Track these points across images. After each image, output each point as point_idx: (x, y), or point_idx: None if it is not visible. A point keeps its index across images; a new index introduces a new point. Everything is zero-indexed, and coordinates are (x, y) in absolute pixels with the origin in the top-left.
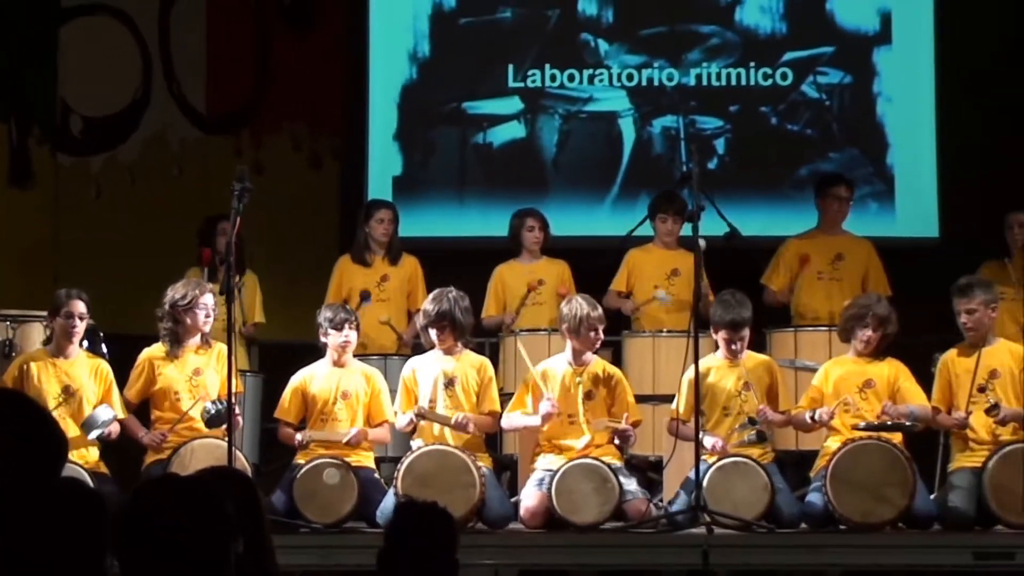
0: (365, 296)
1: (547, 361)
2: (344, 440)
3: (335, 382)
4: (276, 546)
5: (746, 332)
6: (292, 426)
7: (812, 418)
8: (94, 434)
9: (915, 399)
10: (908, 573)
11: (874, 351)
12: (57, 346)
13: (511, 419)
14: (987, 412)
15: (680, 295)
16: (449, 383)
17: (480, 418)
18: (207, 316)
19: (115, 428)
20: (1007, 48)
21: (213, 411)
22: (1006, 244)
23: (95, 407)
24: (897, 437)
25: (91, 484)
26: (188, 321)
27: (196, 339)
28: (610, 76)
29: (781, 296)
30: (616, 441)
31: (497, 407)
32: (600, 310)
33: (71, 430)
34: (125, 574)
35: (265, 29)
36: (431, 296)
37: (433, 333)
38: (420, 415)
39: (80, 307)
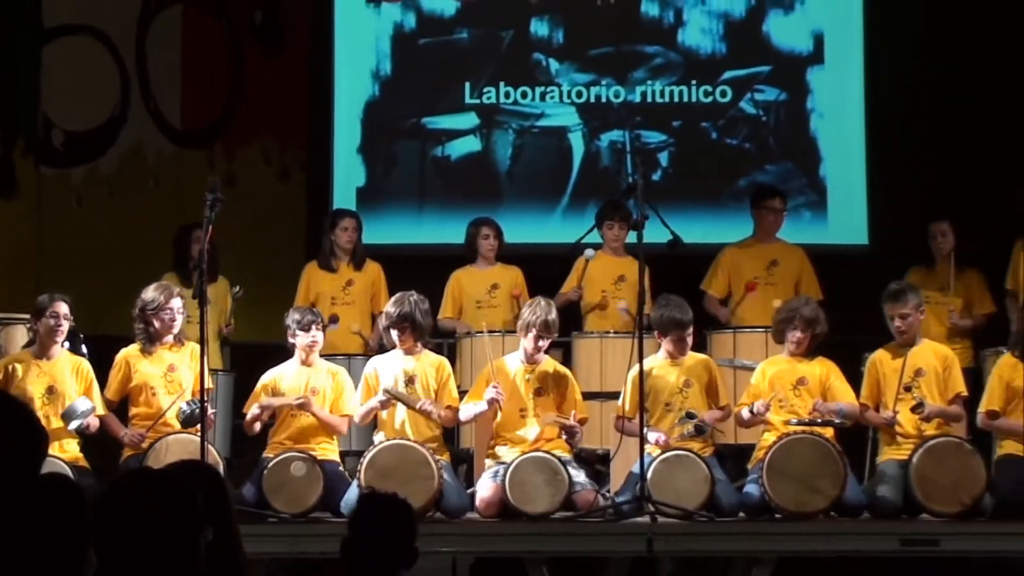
0: (333, 319)
1: (503, 357)
2: (295, 400)
3: (303, 380)
4: (245, 535)
5: (691, 330)
6: (262, 423)
7: (751, 411)
8: (74, 424)
9: (844, 397)
10: (839, 559)
11: (805, 351)
12: (40, 347)
13: (464, 409)
14: (913, 410)
15: (626, 299)
16: (409, 381)
17: (443, 410)
18: (171, 319)
19: (94, 421)
20: (932, 67)
21: (188, 411)
22: (930, 251)
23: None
24: (829, 432)
25: (72, 477)
26: (157, 324)
27: (170, 338)
28: (560, 93)
29: (721, 313)
30: (564, 436)
31: (456, 403)
32: (554, 315)
33: (54, 426)
34: (102, 563)
35: (237, 49)
36: (393, 299)
37: (395, 334)
38: (388, 395)
39: (64, 308)
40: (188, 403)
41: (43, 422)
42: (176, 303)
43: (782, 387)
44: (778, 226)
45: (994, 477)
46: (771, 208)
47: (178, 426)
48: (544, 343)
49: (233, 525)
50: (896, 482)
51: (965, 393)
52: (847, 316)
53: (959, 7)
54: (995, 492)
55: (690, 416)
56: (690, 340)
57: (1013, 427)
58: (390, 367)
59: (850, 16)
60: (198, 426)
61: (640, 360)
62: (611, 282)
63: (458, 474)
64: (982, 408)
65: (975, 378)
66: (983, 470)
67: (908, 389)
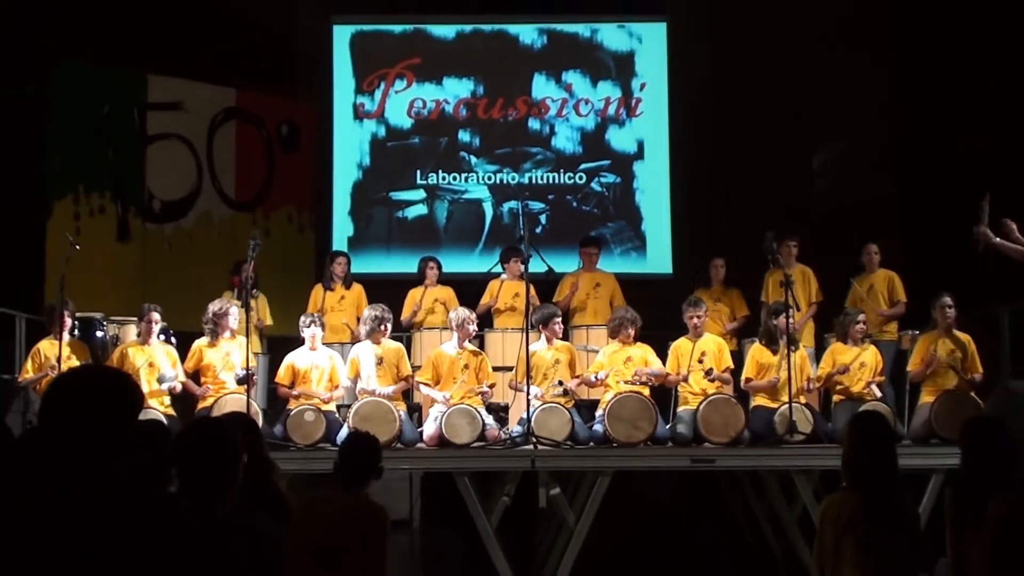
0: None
1: (442, 345)
2: (323, 398)
3: (311, 360)
4: (275, 458)
5: (560, 324)
6: (285, 386)
7: (597, 377)
8: (165, 385)
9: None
10: (651, 472)
11: (631, 339)
12: (143, 338)
13: (427, 390)
14: (705, 373)
15: (519, 308)
16: (379, 361)
17: (400, 385)
18: (226, 320)
19: (177, 385)
20: (713, 163)
21: (242, 375)
22: (710, 278)
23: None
24: (646, 390)
25: (163, 422)
26: (218, 324)
27: (227, 333)
28: (477, 177)
29: (562, 304)
30: (481, 397)
31: (408, 372)
32: (473, 314)
33: (152, 388)
34: (181, 478)
35: (270, 149)
36: (369, 307)
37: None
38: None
39: (155, 316)
40: (242, 369)
41: (144, 386)
42: (233, 310)
43: (617, 362)
44: (594, 262)
45: (750, 420)
46: (587, 253)
47: (232, 387)
48: (473, 326)
49: (266, 456)
50: (689, 423)
51: (732, 367)
52: (659, 318)
53: (733, 128)
54: (750, 429)
55: (560, 383)
56: (560, 330)
57: (760, 386)
58: (367, 352)
59: (660, 131)
60: (245, 387)
61: (527, 345)
62: (511, 297)
63: (412, 419)
64: (743, 376)
65: (738, 357)
66: (743, 415)
67: (700, 361)
